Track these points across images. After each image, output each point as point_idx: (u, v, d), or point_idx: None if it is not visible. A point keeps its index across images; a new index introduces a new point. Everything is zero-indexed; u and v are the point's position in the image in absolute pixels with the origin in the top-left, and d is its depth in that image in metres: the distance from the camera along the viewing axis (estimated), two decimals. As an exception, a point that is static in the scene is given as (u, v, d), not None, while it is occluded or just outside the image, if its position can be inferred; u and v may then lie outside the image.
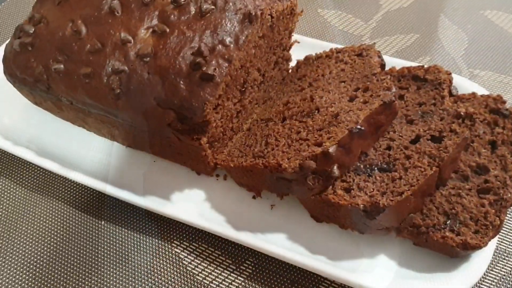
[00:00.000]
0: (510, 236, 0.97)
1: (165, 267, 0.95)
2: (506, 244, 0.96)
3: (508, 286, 0.90)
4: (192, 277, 0.94)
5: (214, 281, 0.93)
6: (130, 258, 0.96)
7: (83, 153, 1.09)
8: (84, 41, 0.93)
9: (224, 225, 0.96)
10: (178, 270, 0.95)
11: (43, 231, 1.01)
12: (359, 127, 0.87)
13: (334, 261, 0.90)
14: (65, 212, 1.04)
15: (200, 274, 0.94)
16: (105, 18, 0.93)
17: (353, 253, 0.91)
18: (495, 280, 0.91)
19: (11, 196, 1.08)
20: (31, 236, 1.00)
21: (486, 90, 1.10)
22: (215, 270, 0.95)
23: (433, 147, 0.88)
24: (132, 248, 0.98)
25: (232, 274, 0.94)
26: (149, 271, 0.95)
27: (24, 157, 1.05)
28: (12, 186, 1.09)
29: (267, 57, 1.05)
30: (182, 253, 0.97)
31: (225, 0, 0.90)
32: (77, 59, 0.93)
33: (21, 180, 1.11)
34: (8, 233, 1.01)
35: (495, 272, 0.92)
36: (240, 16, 0.90)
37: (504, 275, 0.91)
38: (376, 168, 0.90)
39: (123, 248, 0.98)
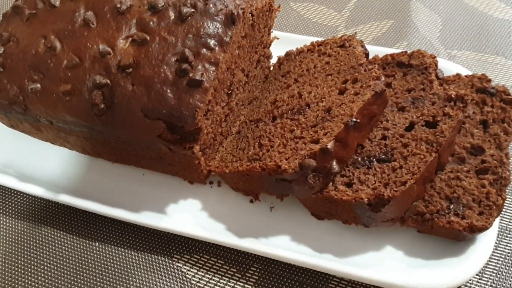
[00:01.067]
0: (509, 213, 0.98)
1: (168, 283, 0.91)
2: (506, 221, 0.96)
3: (514, 263, 0.91)
4: (197, 291, 0.91)
5: (221, 292, 0.91)
6: (131, 278, 0.92)
7: (69, 174, 1.04)
8: (60, 57, 0.88)
9: (225, 233, 0.93)
10: (182, 285, 0.91)
11: (39, 258, 0.96)
12: (354, 119, 0.86)
13: (341, 258, 0.89)
14: (55, 237, 0.99)
15: (205, 286, 0.91)
16: (79, 31, 0.89)
17: (359, 247, 0.90)
18: (501, 258, 0.91)
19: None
20: (32, 265, 0.95)
21: (469, 70, 1.11)
22: (221, 281, 0.92)
23: (429, 133, 0.88)
24: (132, 268, 0.94)
25: (238, 282, 0.91)
26: (152, 289, 0.91)
27: (5, 183, 1.00)
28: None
29: (249, 56, 1.02)
30: (184, 266, 0.94)
31: (205, 2, 0.87)
32: (54, 77, 0.88)
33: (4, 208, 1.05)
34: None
35: (500, 250, 0.92)
36: (222, 17, 0.87)
37: (509, 253, 0.92)
38: (374, 159, 0.89)
39: (122, 268, 0.94)
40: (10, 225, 1.02)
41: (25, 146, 1.11)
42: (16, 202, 1.06)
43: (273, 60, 1.17)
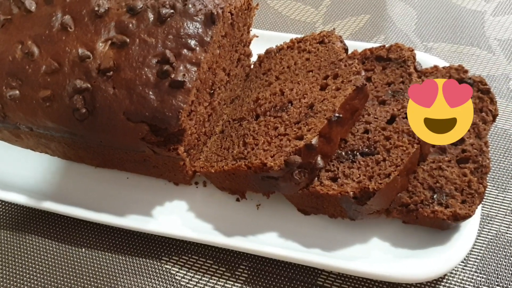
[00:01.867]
0: (489, 200, 1.00)
1: (158, 286, 0.91)
2: (487, 209, 0.98)
3: (497, 248, 0.93)
4: (188, 292, 0.91)
5: (211, 292, 0.91)
6: (120, 283, 0.92)
7: (52, 180, 1.03)
8: (38, 62, 0.87)
9: (213, 233, 0.93)
10: (172, 287, 0.91)
11: (24, 267, 0.95)
12: (337, 115, 0.87)
13: (329, 252, 0.90)
14: (40, 245, 0.98)
15: (195, 287, 0.91)
16: (57, 35, 0.87)
17: (346, 240, 0.91)
18: (484, 244, 0.93)
19: None
20: (22, 274, 0.94)
21: (445, 61, 1.13)
22: (210, 280, 0.92)
23: (411, 125, 0.89)
24: (120, 272, 0.93)
25: (228, 281, 0.91)
26: (142, 293, 0.91)
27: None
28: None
29: (230, 55, 1.02)
30: (173, 268, 0.94)
31: (184, 3, 0.87)
32: (33, 83, 0.87)
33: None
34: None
35: (483, 236, 0.95)
36: (202, 17, 0.87)
37: (491, 239, 0.94)
38: (358, 153, 0.90)
39: (111, 273, 0.93)
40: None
41: (3, 154, 1.09)
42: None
43: (253, 58, 1.17)
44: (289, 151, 0.84)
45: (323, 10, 1.47)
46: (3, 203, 1.05)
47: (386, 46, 1.05)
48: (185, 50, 0.84)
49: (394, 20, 1.41)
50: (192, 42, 0.85)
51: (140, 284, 0.91)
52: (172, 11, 0.86)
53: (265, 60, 1.13)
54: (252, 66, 1.16)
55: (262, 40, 1.19)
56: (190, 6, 0.87)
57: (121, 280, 0.92)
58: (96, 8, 0.87)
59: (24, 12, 0.92)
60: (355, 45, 1.14)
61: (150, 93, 0.82)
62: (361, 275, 0.85)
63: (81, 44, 0.86)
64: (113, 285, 0.92)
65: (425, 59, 1.11)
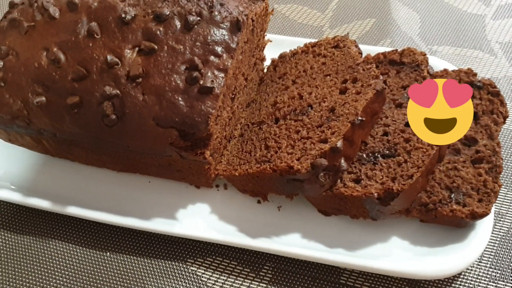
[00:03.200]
0: (500, 198, 1.03)
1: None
2: (498, 206, 1.02)
3: (510, 243, 0.97)
4: (214, 293, 0.93)
5: (237, 292, 0.93)
6: (146, 286, 0.93)
7: (75, 186, 1.03)
8: (65, 69, 0.88)
9: (237, 234, 0.95)
10: (198, 288, 0.93)
11: (50, 272, 0.96)
12: (360, 118, 0.89)
13: (351, 251, 0.92)
14: (65, 251, 0.99)
15: (222, 288, 0.93)
16: (84, 42, 0.88)
17: (367, 240, 0.94)
18: (497, 241, 0.97)
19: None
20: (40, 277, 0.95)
21: (453, 65, 1.17)
22: (236, 281, 0.94)
23: (429, 127, 0.92)
24: (147, 275, 0.95)
25: (253, 282, 0.94)
26: (168, 295, 0.92)
27: (11, 199, 0.98)
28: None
29: (248, 60, 1.04)
30: (199, 270, 0.95)
31: (210, 10, 0.89)
32: (60, 89, 0.88)
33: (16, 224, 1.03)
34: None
35: (495, 233, 0.98)
36: (228, 24, 0.89)
37: (504, 235, 0.98)
38: (379, 155, 0.93)
39: (137, 276, 0.94)
40: (17, 241, 1.00)
41: (24, 160, 1.09)
42: (21, 218, 1.04)
43: (266, 63, 1.19)
44: (314, 154, 0.87)
45: (329, 14, 1.50)
46: (27, 209, 1.05)
47: (399, 50, 1.09)
48: (212, 57, 0.86)
49: (398, 24, 1.45)
50: (219, 49, 0.87)
51: (167, 287, 0.93)
52: (199, 18, 0.88)
53: (280, 64, 1.15)
54: (265, 70, 1.19)
55: (274, 44, 1.22)
56: (216, 13, 0.89)
57: (148, 283, 0.94)
58: (123, 15, 0.88)
59: (48, 18, 0.93)
60: (364, 49, 1.16)
61: (180, 99, 0.84)
62: (383, 273, 0.88)
63: (109, 50, 0.87)
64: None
65: (434, 63, 1.14)
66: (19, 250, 0.99)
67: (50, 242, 1.00)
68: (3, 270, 0.96)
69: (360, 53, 1.07)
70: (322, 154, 0.86)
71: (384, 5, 1.52)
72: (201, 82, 0.84)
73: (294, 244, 0.93)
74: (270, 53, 1.19)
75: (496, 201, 1.03)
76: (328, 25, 1.47)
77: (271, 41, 1.17)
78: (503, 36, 1.40)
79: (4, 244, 1.00)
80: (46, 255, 0.98)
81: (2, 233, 1.02)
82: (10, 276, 0.95)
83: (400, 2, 1.53)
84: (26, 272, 0.96)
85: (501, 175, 1.05)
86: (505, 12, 1.48)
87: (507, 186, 1.05)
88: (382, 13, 1.49)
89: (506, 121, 1.01)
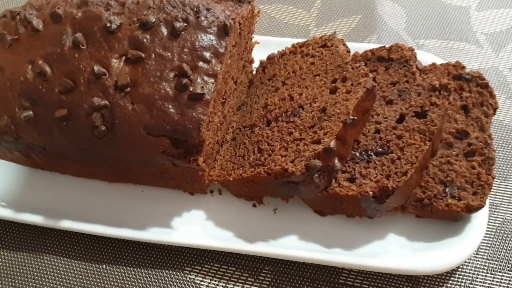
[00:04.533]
0: (493, 190, 1.04)
1: (184, 296, 0.92)
2: (492, 198, 1.03)
3: (505, 234, 0.97)
4: (214, 299, 0.92)
5: (237, 298, 0.92)
6: (145, 296, 0.93)
7: (66, 199, 1.02)
8: (52, 82, 0.87)
9: (234, 240, 0.94)
10: (198, 296, 0.93)
11: (42, 287, 0.95)
12: (351, 117, 0.89)
13: (349, 250, 0.92)
14: (59, 265, 0.97)
15: (221, 295, 0.93)
16: (70, 53, 0.87)
17: (365, 238, 0.94)
18: (493, 232, 0.98)
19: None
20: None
21: (441, 58, 1.17)
22: (235, 287, 0.93)
23: (420, 123, 0.93)
24: (144, 286, 0.94)
25: (252, 286, 0.93)
26: (168, 304, 0.92)
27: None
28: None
29: (237, 63, 1.04)
30: (197, 278, 0.95)
31: (196, 15, 0.88)
32: (47, 103, 0.87)
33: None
34: None
35: (490, 224, 0.99)
36: (215, 28, 0.88)
37: (499, 226, 0.98)
38: (372, 153, 0.93)
39: (139, 285, 0.94)
40: (9, 257, 0.99)
41: (13, 175, 1.07)
42: (12, 234, 1.02)
43: (255, 65, 1.19)
44: (308, 155, 0.86)
45: (315, 13, 1.50)
46: (18, 225, 1.04)
47: (387, 46, 1.09)
48: (201, 63, 0.86)
49: (384, 19, 1.45)
50: (208, 54, 0.86)
51: (166, 296, 0.92)
52: (185, 24, 0.87)
53: (268, 66, 1.15)
54: (254, 72, 1.18)
55: (260, 46, 1.21)
56: (202, 18, 0.88)
57: (147, 293, 0.93)
58: (108, 24, 0.87)
59: (32, 31, 0.91)
60: (352, 46, 1.16)
61: (170, 106, 0.83)
62: (383, 270, 0.88)
63: (95, 61, 0.86)
64: (139, 298, 0.92)
65: (422, 57, 1.14)
66: (12, 267, 0.98)
67: (44, 257, 0.99)
68: (-2, 288, 0.95)
69: (348, 51, 1.07)
70: (315, 155, 0.86)
71: (369, 1, 1.52)
72: (191, 89, 0.84)
73: (291, 246, 0.93)
74: (258, 55, 1.18)
75: (490, 193, 1.04)
76: (314, 23, 1.46)
77: (258, 43, 1.17)
78: (488, 27, 1.41)
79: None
80: (40, 271, 0.97)
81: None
82: None
83: (384, -3, 1.53)
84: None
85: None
86: (488, 3, 1.48)
87: (500, 176, 1.06)
88: (367, 9, 1.49)
89: (496, 112, 1.02)
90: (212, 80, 0.86)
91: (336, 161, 0.89)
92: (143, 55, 0.85)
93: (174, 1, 0.90)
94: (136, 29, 0.87)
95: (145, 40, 0.86)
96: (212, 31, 0.88)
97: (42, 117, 0.88)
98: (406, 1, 1.51)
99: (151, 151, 0.86)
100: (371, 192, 0.86)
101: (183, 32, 0.87)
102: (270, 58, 1.16)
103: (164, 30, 0.87)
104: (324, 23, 1.46)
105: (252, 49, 1.15)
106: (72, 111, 0.86)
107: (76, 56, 0.87)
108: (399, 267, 0.87)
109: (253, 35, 1.13)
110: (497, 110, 1.01)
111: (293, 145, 0.91)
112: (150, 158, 0.88)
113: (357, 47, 1.15)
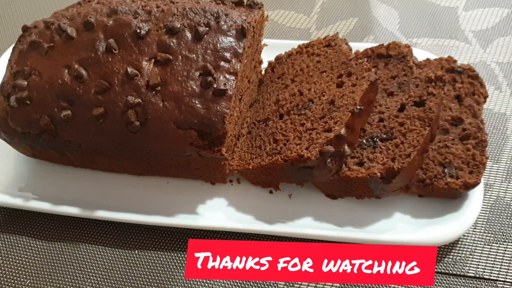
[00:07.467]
0: (486, 171, 1.14)
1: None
2: (485, 178, 1.13)
3: (499, 210, 1.07)
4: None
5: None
6: (175, 276, 1.01)
7: (99, 191, 1.11)
8: (88, 84, 0.96)
9: (255, 222, 1.03)
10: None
11: (80, 273, 1.03)
12: (358, 107, 0.99)
13: (361, 228, 1.02)
14: (95, 253, 1.06)
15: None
16: (103, 57, 0.97)
17: (373, 217, 1.03)
18: (488, 208, 1.08)
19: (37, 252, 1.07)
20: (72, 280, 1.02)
21: (434, 55, 1.28)
22: (258, 265, 1.02)
23: (420, 111, 1.03)
24: (174, 268, 1.02)
25: (274, 264, 1.02)
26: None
27: (43, 209, 1.06)
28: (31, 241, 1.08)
29: (250, 64, 1.13)
30: (223, 258, 1.04)
31: (217, 21, 0.98)
32: (85, 102, 0.96)
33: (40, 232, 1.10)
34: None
35: (486, 201, 1.09)
36: (234, 31, 0.98)
37: (493, 203, 1.09)
38: (377, 139, 1.03)
39: (169, 268, 1.02)
40: (45, 248, 1.07)
41: (47, 171, 1.16)
42: (51, 226, 1.10)
43: (263, 65, 1.29)
44: (321, 142, 0.96)
45: (315, 17, 1.61)
46: (56, 217, 1.11)
47: (385, 44, 1.19)
48: (222, 62, 0.96)
49: (379, 21, 1.57)
50: (228, 55, 0.96)
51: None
52: (207, 28, 0.97)
53: (277, 65, 1.25)
54: (263, 72, 1.28)
55: (267, 48, 1.31)
56: (222, 23, 0.98)
57: (176, 275, 1.01)
58: (138, 31, 0.97)
59: (66, 39, 1.01)
60: (352, 46, 1.26)
61: (197, 102, 0.93)
62: (392, 243, 0.98)
63: (128, 63, 0.96)
64: (172, 277, 1.01)
65: (417, 54, 1.25)
66: (52, 257, 1.06)
67: (80, 246, 1.07)
68: (39, 278, 1.03)
69: (351, 49, 1.18)
70: (328, 142, 0.96)
71: (364, 5, 1.63)
72: (215, 86, 0.93)
73: (308, 226, 1.02)
74: (266, 56, 1.28)
75: (484, 174, 1.14)
76: (315, 27, 1.57)
77: (266, 45, 1.27)
78: (475, 25, 1.52)
79: (38, 253, 1.07)
80: (79, 259, 1.05)
81: (37, 243, 1.08)
82: (47, 283, 1.02)
83: (378, 1, 1.65)
84: (61, 278, 1.03)
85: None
86: (475, 3, 1.60)
87: (492, 159, 1.16)
88: (363, 12, 1.60)
89: (486, 101, 1.12)
90: (233, 78, 0.95)
91: (346, 147, 0.99)
92: (171, 57, 0.95)
93: (195, 8, 1.00)
94: (163, 34, 0.97)
95: (172, 44, 0.96)
96: (231, 34, 0.98)
97: (80, 116, 0.97)
98: (398, 4, 1.63)
99: (180, 143, 0.95)
100: (378, 174, 0.95)
101: (205, 36, 0.97)
102: (278, 58, 1.26)
103: (189, 34, 0.97)
104: (323, 26, 1.57)
105: (261, 51, 1.25)
106: (108, 109, 0.95)
107: (110, 59, 0.97)
108: (405, 240, 0.96)
109: (262, 38, 1.23)
110: (487, 99, 1.12)
111: (306, 134, 1.01)
112: (179, 150, 0.97)
113: (357, 46, 1.25)
